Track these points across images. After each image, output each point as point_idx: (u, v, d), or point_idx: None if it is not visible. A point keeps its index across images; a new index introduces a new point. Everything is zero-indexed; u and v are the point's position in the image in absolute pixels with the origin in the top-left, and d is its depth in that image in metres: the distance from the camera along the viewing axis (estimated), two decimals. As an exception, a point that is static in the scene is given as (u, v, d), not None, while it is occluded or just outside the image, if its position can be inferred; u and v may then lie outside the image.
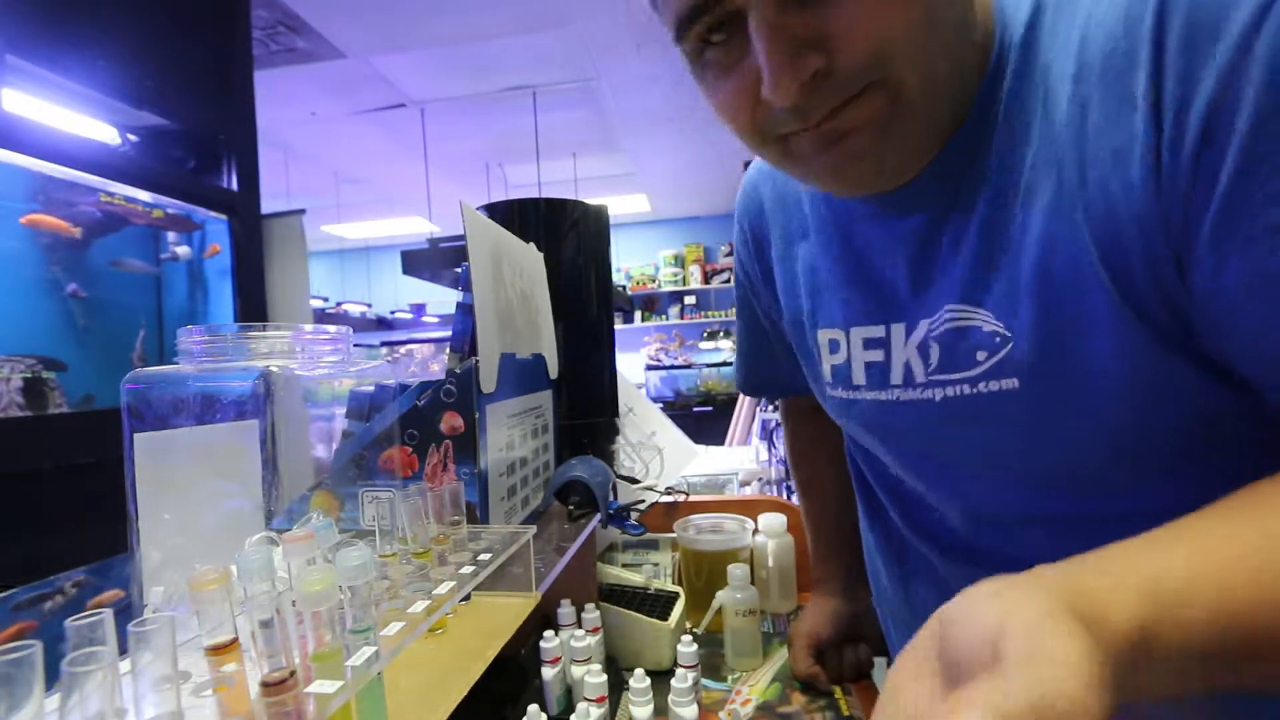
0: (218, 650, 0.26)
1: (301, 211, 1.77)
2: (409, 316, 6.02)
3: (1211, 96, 0.29)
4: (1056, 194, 0.36)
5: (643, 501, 1.02)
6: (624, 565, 1.02)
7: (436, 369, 0.62)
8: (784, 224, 0.56)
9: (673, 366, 5.62)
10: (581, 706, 0.62)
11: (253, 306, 1.66)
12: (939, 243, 0.42)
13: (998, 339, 0.40)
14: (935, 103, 0.37)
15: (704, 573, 0.93)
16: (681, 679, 0.66)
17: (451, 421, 0.57)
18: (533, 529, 0.51)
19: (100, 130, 1.45)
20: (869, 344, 0.49)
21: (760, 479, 1.60)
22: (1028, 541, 0.46)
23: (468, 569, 0.43)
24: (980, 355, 0.41)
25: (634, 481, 1.02)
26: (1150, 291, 0.34)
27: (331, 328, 0.54)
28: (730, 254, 5.65)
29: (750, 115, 0.38)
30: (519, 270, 0.75)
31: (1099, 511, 0.43)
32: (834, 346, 0.52)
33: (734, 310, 0.72)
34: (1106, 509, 0.42)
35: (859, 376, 0.50)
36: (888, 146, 0.37)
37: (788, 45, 0.33)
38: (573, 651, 0.69)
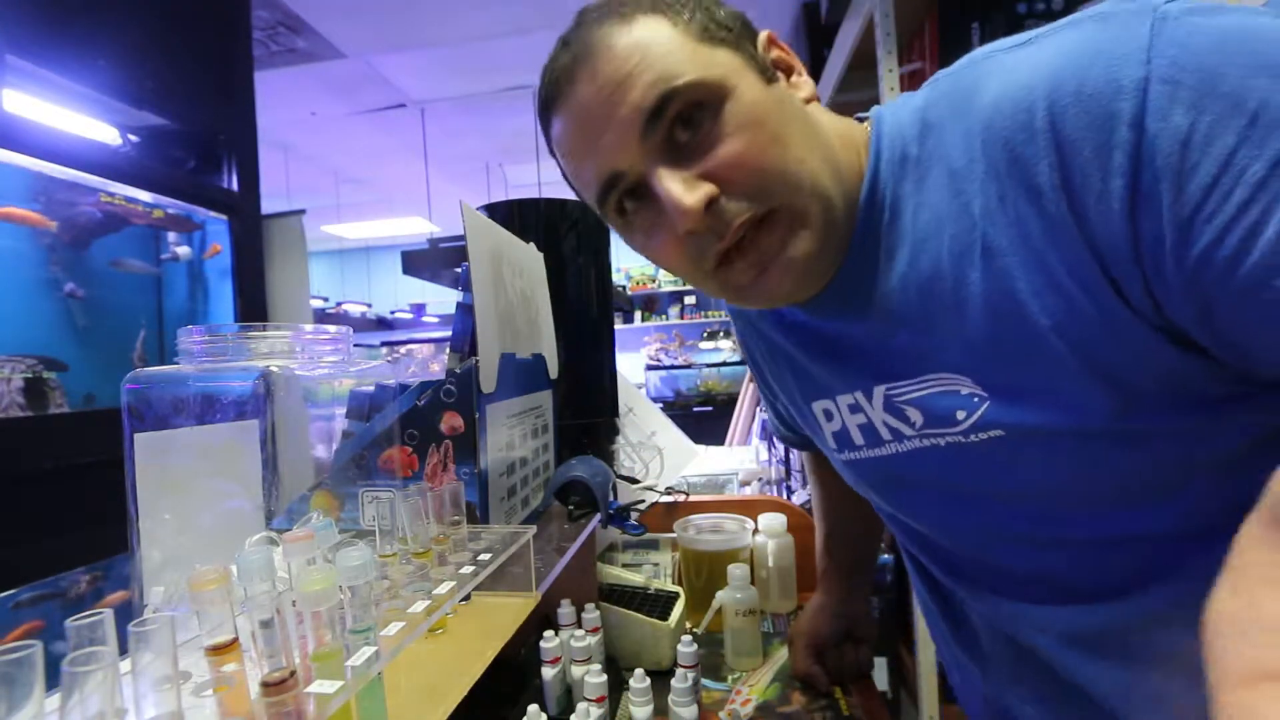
0: (218, 650, 0.26)
1: (301, 212, 1.77)
2: (409, 316, 6.01)
3: (1128, 178, 0.33)
4: (987, 275, 0.39)
5: (643, 501, 1.02)
6: (624, 565, 1.02)
7: (436, 369, 0.63)
8: (754, 317, 0.62)
9: (673, 366, 5.62)
10: (581, 706, 0.62)
11: (253, 307, 1.66)
12: (871, 326, 0.47)
13: (976, 399, 0.43)
14: (830, 219, 0.43)
15: (704, 573, 0.93)
16: (681, 679, 0.66)
17: (451, 421, 0.57)
18: (533, 529, 0.51)
19: (101, 130, 1.45)
20: (852, 409, 0.53)
21: (760, 479, 1.60)
22: (1053, 561, 0.47)
23: (468, 569, 0.43)
24: (960, 415, 0.44)
25: (634, 481, 1.02)
26: (1110, 347, 0.37)
27: (332, 328, 0.54)
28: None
29: (681, 254, 0.44)
30: (519, 270, 0.75)
31: (1128, 532, 0.43)
32: (829, 415, 0.56)
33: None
34: (1135, 528, 0.43)
35: (858, 438, 0.54)
36: (805, 264, 0.43)
37: (681, 183, 0.40)
38: (573, 651, 0.69)
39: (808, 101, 0.45)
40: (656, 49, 0.40)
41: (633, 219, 0.45)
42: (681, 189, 0.40)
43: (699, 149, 0.41)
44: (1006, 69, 0.38)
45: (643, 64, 0.40)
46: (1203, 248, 0.32)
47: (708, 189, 0.40)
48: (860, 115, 0.49)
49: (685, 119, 0.40)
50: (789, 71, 0.45)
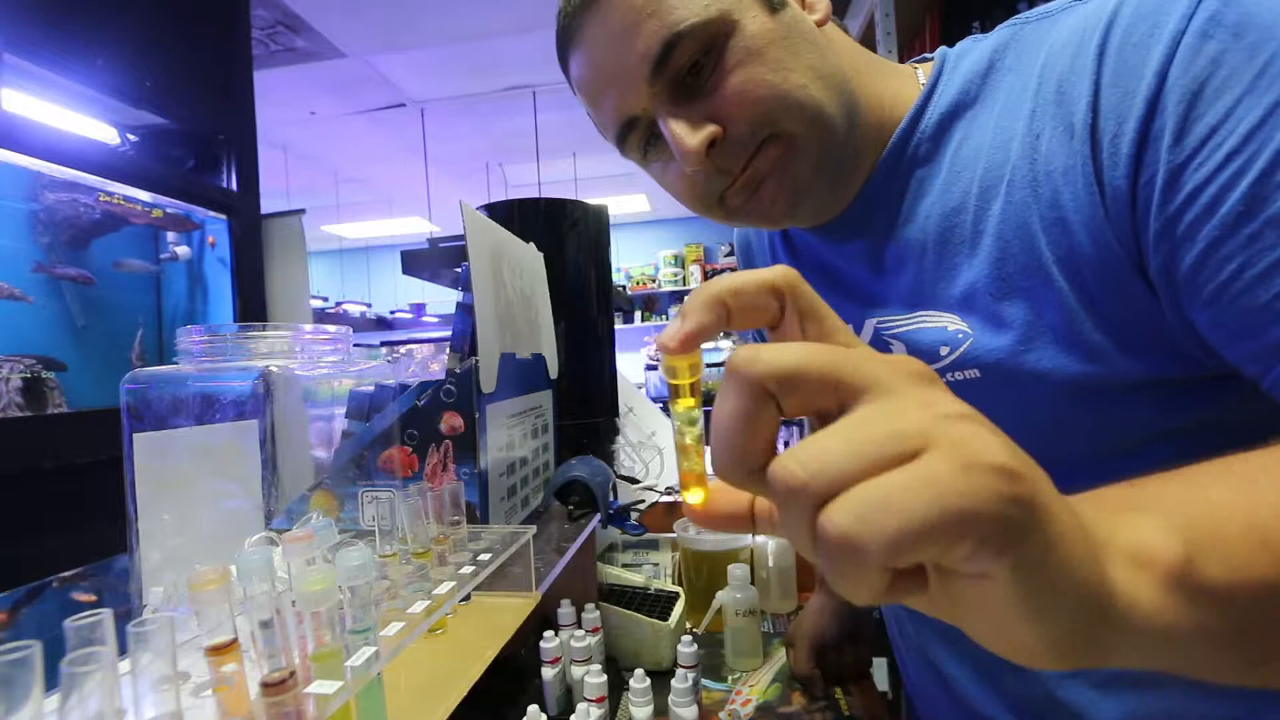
0: (217, 650, 0.26)
1: (301, 211, 1.77)
2: (409, 316, 6.01)
3: (1139, 124, 0.35)
4: (1006, 206, 0.41)
5: (643, 501, 1.02)
6: (624, 565, 1.02)
7: (436, 369, 0.62)
8: (766, 245, 0.64)
9: (673, 366, 5.61)
10: (581, 707, 0.62)
11: (252, 307, 1.66)
12: (884, 253, 0.49)
13: (960, 335, 0.45)
14: (831, 145, 0.44)
15: (704, 573, 0.93)
16: (681, 679, 0.66)
17: (451, 421, 0.57)
18: (533, 529, 0.51)
19: (100, 130, 1.45)
20: None
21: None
22: None
23: (468, 569, 0.43)
24: (943, 350, 0.46)
25: (634, 481, 1.02)
26: (1102, 289, 0.39)
27: (331, 328, 0.54)
28: (731, 253, 5.68)
29: (691, 188, 0.47)
30: (519, 270, 0.75)
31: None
32: None
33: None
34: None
35: None
36: (794, 185, 0.45)
37: (686, 126, 0.43)
38: (573, 652, 0.69)
39: (822, 23, 0.46)
40: None
41: (650, 155, 0.48)
42: (685, 132, 0.42)
43: (704, 88, 0.42)
44: (1073, 19, 0.40)
45: (647, 7, 0.41)
46: (1184, 197, 0.33)
47: (709, 130, 0.42)
48: (926, 56, 0.51)
49: (691, 60, 0.42)
50: None
